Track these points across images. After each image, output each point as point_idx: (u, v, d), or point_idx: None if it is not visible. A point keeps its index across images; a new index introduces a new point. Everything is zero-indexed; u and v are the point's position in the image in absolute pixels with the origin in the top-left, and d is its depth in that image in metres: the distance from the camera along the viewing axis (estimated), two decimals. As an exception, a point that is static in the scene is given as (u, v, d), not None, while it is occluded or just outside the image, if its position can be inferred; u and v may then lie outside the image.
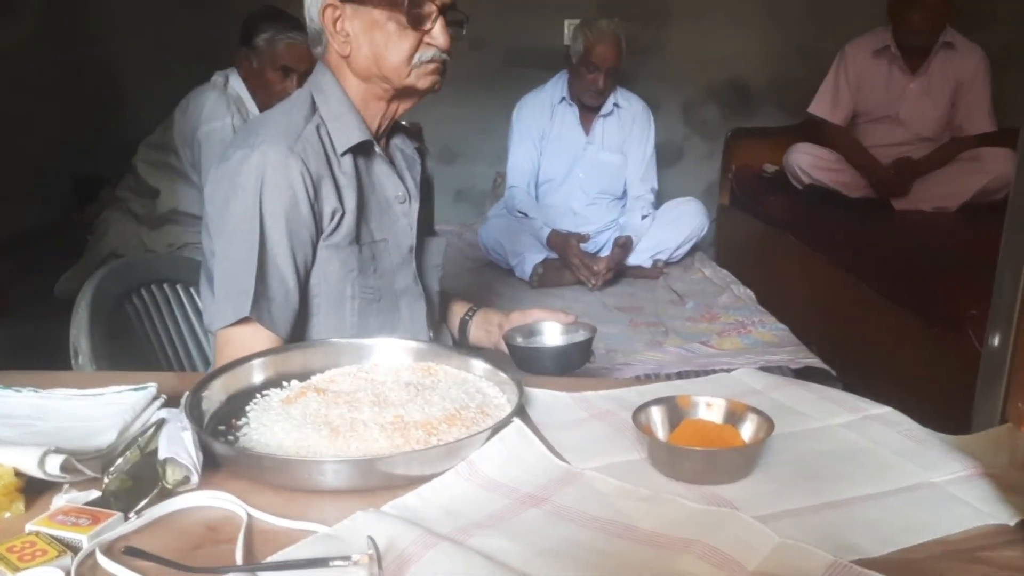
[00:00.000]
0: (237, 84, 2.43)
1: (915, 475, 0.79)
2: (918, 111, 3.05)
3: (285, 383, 0.95)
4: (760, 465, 0.80)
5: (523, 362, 1.21)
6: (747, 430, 0.82)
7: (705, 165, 3.75)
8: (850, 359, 2.25)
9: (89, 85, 3.30)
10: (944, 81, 3.02)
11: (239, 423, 0.86)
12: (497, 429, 0.82)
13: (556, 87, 3.05)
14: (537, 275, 2.80)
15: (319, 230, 1.16)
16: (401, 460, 0.76)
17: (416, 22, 1.14)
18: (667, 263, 3.00)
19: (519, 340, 1.23)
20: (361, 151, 1.21)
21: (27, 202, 2.88)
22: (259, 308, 1.09)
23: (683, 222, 2.99)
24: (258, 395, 0.92)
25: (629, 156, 3.05)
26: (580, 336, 1.23)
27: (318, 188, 1.14)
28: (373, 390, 0.91)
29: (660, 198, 3.15)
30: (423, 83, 1.19)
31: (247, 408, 0.89)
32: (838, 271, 2.65)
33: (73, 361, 1.19)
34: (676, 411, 0.85)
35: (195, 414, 0.83)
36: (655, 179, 3.09)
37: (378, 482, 0.75)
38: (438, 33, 1.15)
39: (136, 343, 1.34)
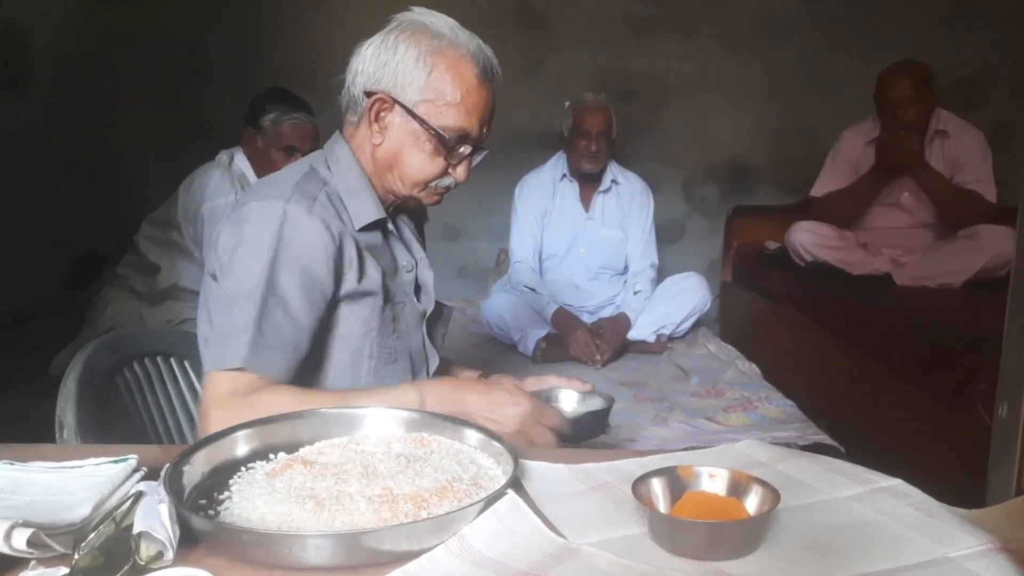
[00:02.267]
0: (242, 162, 2.47)
1: (930, 550, 0.74)
2: (918, 197, 3.05)
3: (272, 455, 0.92)
4: (767, 540, 0.76)
5: None
6: (752, 502, 0.78)
7: (707, 242, 3.77)
8: (858, 435, 2.19)
9: (95, 163, 3.36)
10: (942, 168, 3.02)
11: (221, 497, 0.83)
12: (490, 502, 0.78)
13: (556, 166, 3.11)
14: (540, 350, 2.78)
15: (337, 289, 1.16)
16: (388, 534, 0.72)
17: (450, 156, 1.21)
18: (671, 338, 2.97)
19: None
20: (375, 224, 1.24)
21: (28, 279, 2.89)
22: (257, 358, 1.07)
23: (685, 297, 2.98)
24: (243, 468, 0.89)
25: (629, 232, 3.07)
26: (598, 404, 1.21)
27: (341, 249, 1.16)
28: (362, 462, 0.88)
29: (663, 274, 3.15)
30: (428, 200, 1.27)
31: (231, 482, 0.86)
32: (843, 347, 2.62)
33: (58, 435, 1.15)
34: (678, 483, 0.81)
35: (175, 487, 0.79)
36: (655, 254, 3.11)
37: (363, 558, 0.71)
38: (462, 171, 1.25)
39: (126, 418, 1.31)
